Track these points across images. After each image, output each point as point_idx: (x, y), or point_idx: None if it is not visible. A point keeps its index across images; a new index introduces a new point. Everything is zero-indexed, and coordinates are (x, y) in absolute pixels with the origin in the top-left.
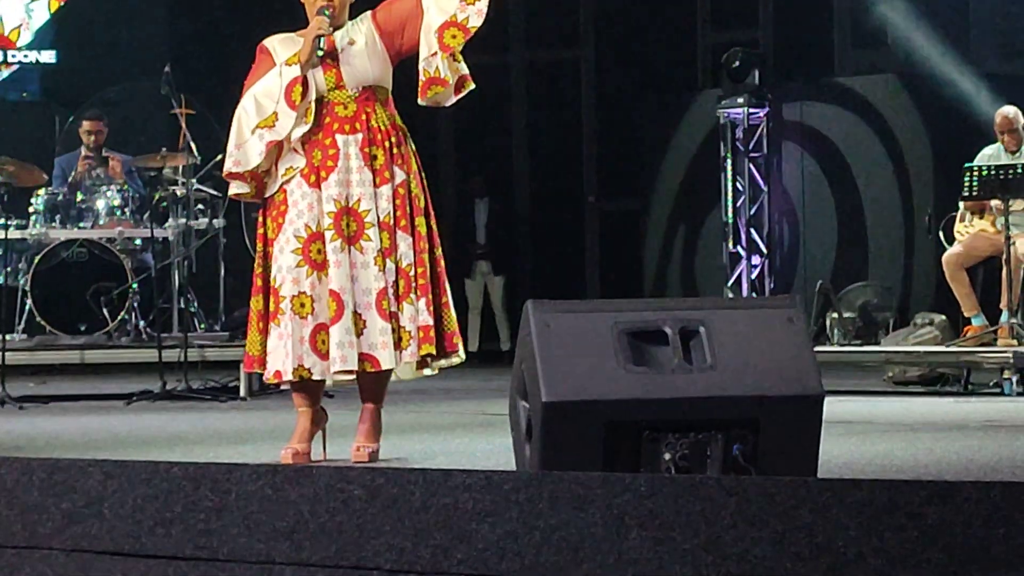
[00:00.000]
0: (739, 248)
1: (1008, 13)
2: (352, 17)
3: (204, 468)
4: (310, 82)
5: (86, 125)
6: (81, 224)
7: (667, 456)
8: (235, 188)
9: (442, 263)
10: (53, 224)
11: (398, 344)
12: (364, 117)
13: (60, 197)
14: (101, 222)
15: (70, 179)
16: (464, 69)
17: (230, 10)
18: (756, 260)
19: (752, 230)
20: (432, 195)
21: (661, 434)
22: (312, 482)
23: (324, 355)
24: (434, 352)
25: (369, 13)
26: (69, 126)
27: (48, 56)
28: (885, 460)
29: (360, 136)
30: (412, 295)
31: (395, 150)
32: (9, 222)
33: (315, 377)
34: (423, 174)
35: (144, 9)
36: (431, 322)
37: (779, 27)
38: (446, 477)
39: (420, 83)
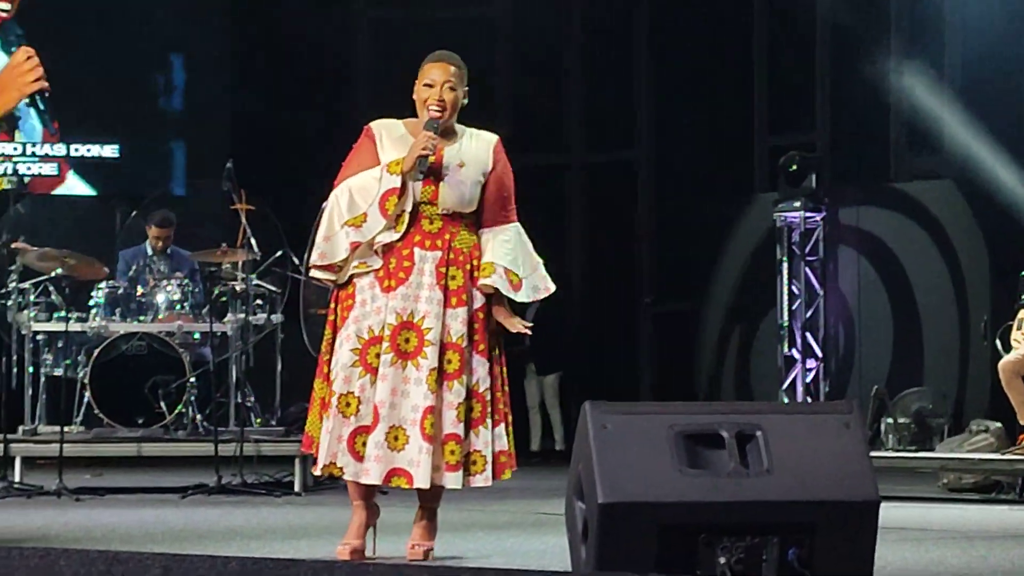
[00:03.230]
0: (794, 351)
1: None
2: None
3: (261, 563)
4: (408, 191)
5: (155, 231)
6: (141, 318)
7: (723, 560)
8: (318, 273)
9: (507, 384)
10: (113, 317)
11: (466, 466)
12: (447, 236)
13: (120, 290)
14: (161, 316)
15: (131, 273)
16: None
17: (291, 106)
18: (811, 364)
19: (807, 334)
20: None
21: (717, 537)
22: None
23: (360, 457)
24: (509, 476)
25: (495, 141)
26: (131, 221)
27: (110, 151)
28: (939, 567)
29: (439, 254)
30: (489, 420)
31: (476, 273)
32: (70, 315)
33: (347, 477)
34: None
35: (206, 105)
36: (507, 447)
37: (836, 131)
38: None
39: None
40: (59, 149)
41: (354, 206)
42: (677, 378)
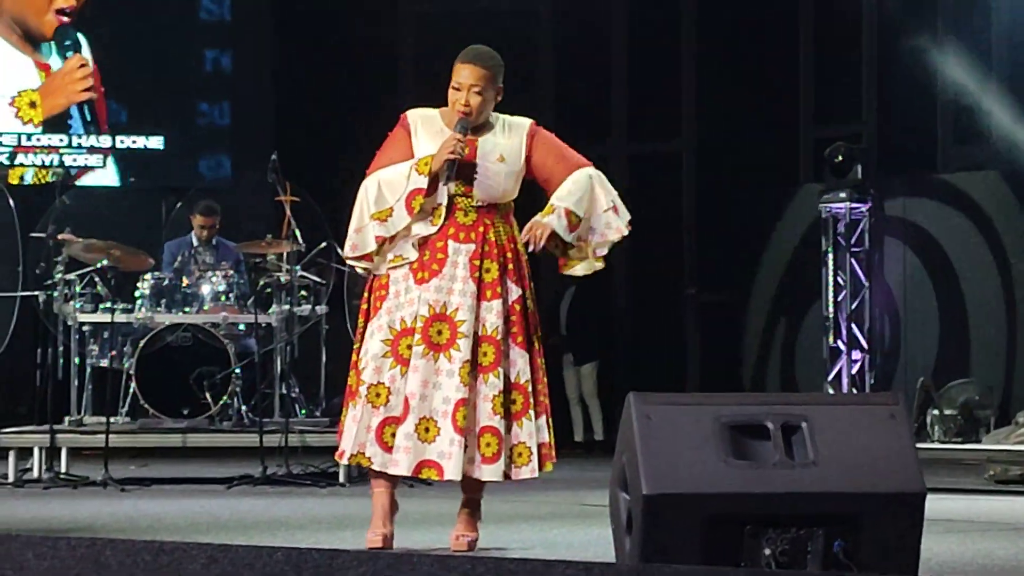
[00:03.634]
0: (839, 343)
1: None
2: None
3: (306, 554)
4: (440, 187)
5: (200, 220)
6: (186, 309)
7: (767, 551)
8: (354, 263)
9: (546, 375)
10: (159, 308)
11: (511, 458)
12: (482, 229)
13: (166, 282)
14: (206, 307)
15: (176, 264)
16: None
17: (337, 99)
18: (857, 355)
19: (853, 325)
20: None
21: (762, 529)
22: (413, 569)
23: (388, 447)
24: (551, 468)
25: (528, 126)
26: (177, 212)
27: (156, 142)
28: (986, 559)
29: (472, 247)
30: (531, 411)
31: (510, 265)
32: (115, 306)
33: (375, 467)
34: (532, 285)
35: (251, 97)
36: (548, 439)
37: (882, 122)
38: (546, 568)
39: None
40: (104, 141)
41: (381, 199)
42: (722, 369)
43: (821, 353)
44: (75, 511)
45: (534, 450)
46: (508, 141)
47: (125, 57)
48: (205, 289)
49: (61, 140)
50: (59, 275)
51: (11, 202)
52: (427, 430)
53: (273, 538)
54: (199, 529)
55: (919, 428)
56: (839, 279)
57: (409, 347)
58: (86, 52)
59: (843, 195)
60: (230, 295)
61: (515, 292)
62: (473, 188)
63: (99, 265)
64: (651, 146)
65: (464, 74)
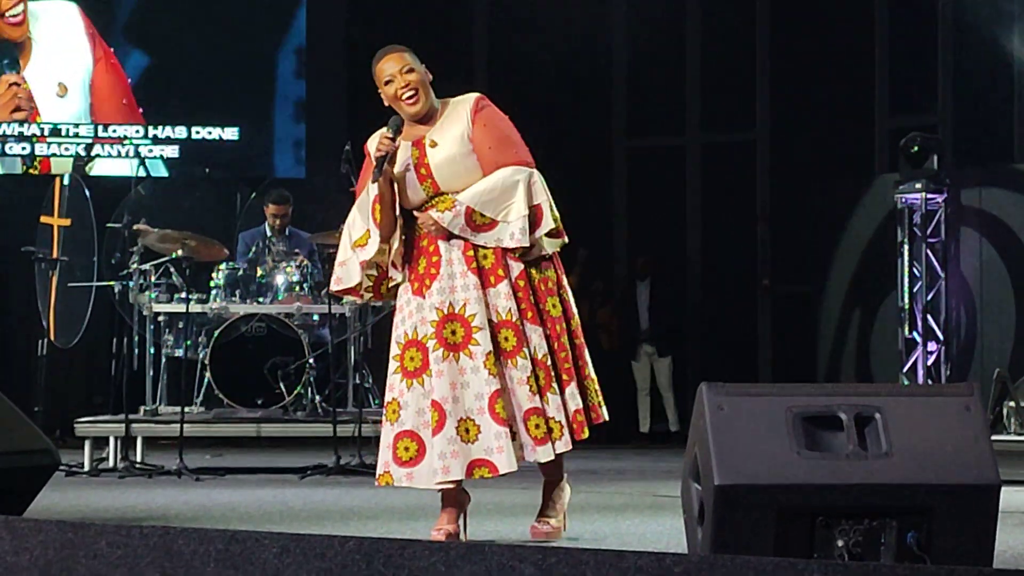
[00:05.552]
0: (915, 334)
1: None
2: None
3: (378, 543)
4: (406, 195)
5: (272, 208)
6: (260, 299)
7: (840, 543)
8: (344, 296)
9: (580, 334)
10: (233, 299)
11: (548, 437)
12: None
13: (240, 272)
14: (280, 297)
15: (250, 255)
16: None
17: None
18: (932, 347)
19: (929, 316)
20: (604, 274)
21: (834, 520)
22: (484, 559)
23: (403, 462)
24: (587, 435)
25: (472, 101)
26: (251, 202)
27: (231, 133)
28: None
29: (463, 240)
30: (555, 384)
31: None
32: (190, 296)
33: (394, 484)
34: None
35: (324, 88)
36: (581, 404)
37: (958, 112)
38: (618, 558)
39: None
40: (180, 132)
41: (357, 226)
42: (796, 361)
43: (896, 345)
44: (149, 500)
45: (564, 423)
46: (452, 123)
47: (200, 46)
48: (279, 279)
49: (137, 132)
50: (135, 265)
51: (87, 193)
52: (467, 431)
53: (346, 528)
54: (272, 518)
55: (994, 420)
56: (915, 270)
57: (413, 359)
58: (34, 69)
59: (919, 186)
60: (304, 285)
61: (516, 269)
62: (438, 185)
63: (174, 255)
64: (725, 137)
65: (388, 67)
